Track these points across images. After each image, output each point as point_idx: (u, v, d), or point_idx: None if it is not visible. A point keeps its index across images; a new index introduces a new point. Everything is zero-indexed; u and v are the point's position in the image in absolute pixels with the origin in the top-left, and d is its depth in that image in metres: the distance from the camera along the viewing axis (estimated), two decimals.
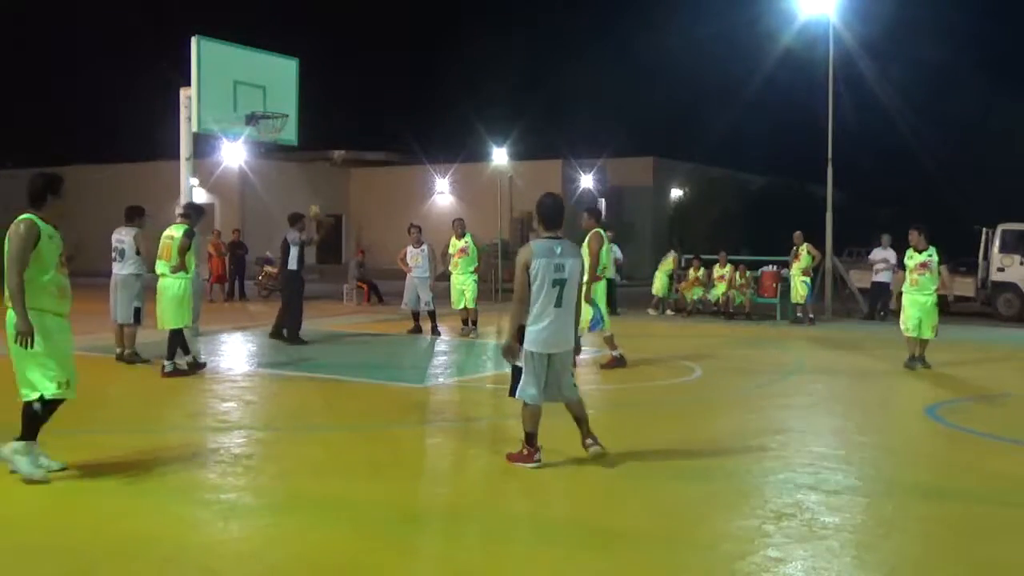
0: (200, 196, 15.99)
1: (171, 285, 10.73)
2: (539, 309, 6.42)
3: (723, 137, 50.25)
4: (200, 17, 52.43)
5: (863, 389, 10.92)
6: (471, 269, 15.57)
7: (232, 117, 15.19)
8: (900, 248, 20.97)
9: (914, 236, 11.99)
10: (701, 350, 13.87)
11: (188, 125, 14.96)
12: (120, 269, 11.81)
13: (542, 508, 5.79)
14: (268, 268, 26.13)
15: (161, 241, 11.03)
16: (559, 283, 6.41)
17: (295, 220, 14.57)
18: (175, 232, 10.88)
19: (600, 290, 11.46)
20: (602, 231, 11.32)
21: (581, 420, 6.82)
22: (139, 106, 59.23)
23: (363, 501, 5.89)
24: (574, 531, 5.34)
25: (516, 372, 6.61)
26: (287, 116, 15.86)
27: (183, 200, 15.31)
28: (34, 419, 6.06)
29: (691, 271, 21.74)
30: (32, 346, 5.91)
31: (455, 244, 15.75)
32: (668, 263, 21.82)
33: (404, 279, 16.19)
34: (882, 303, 20.39)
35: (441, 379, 11.25)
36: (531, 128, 43.51)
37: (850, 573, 4.76)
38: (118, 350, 11.80)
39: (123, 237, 11.85)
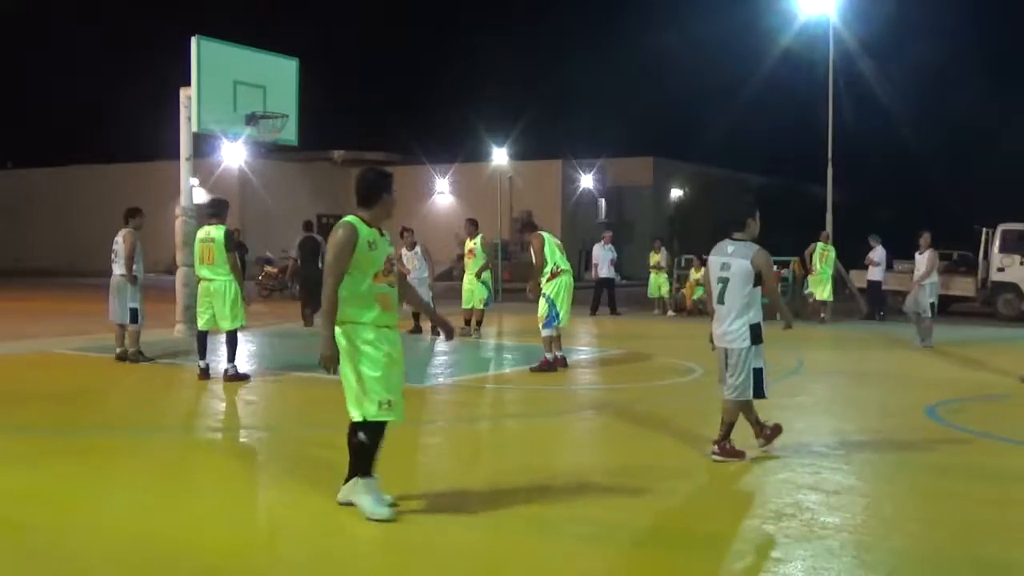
0: (200, 196, 16.01)
1: (220, 287, 10.32)
2: (713, 304, 6.94)
3: (723, 137, 50.28)
4: (200, 17, 52.46)
5: (863, 389, 10.92)
6: (478, 269, 15.51)
7: (232, 117, 15.19)
8: (894, 249, 21.15)
9: None
10: (701, 350, 13.82)
11: (188, 125, 14.97)
12: (116, 270, 11.86)
13: (542, 507, 5.78)
14: (268, 268, 26.12)
15: (198, 244, 10.52)
16: (722, 281, 6.83)
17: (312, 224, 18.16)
18: (215, 234, 10.36)
19: (560, 288, 11.35)
20: (544, 233, 11.61)
21: (724, 423, 6.89)
22: (139, 106, 59.44)
23: None
24: (573, 531, 5.34)
25: (756, 372, 6.81)
26: (287, 116, 15.87)
27: (183, 200, 15.34)
28: (361, 450, 5.45)
29: (692, 271, 21.75)
30: (335, 371, 5.41)
31: (467, 244, 15.77)
32: (653, 258, 21.71)
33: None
34: (880, 303, 20.42)
35: (441, 379, 11.25)
36: (531, 128, 43.52)
37: (850, 573, 4.76)
38: (118, 350, 11.82)
39: (117, 238, 11.90)
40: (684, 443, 7.70)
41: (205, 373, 10.43)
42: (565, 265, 11.47)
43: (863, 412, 9.36)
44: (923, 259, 14.78)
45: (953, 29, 59.68)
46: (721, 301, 6.82)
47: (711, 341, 7.04)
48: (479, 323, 15.64)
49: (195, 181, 15.98)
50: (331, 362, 5.37)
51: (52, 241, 45.37)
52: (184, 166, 15.37)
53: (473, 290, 15.42)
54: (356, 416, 5.41)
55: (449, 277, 15.69)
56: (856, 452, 7.34)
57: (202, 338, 10.57)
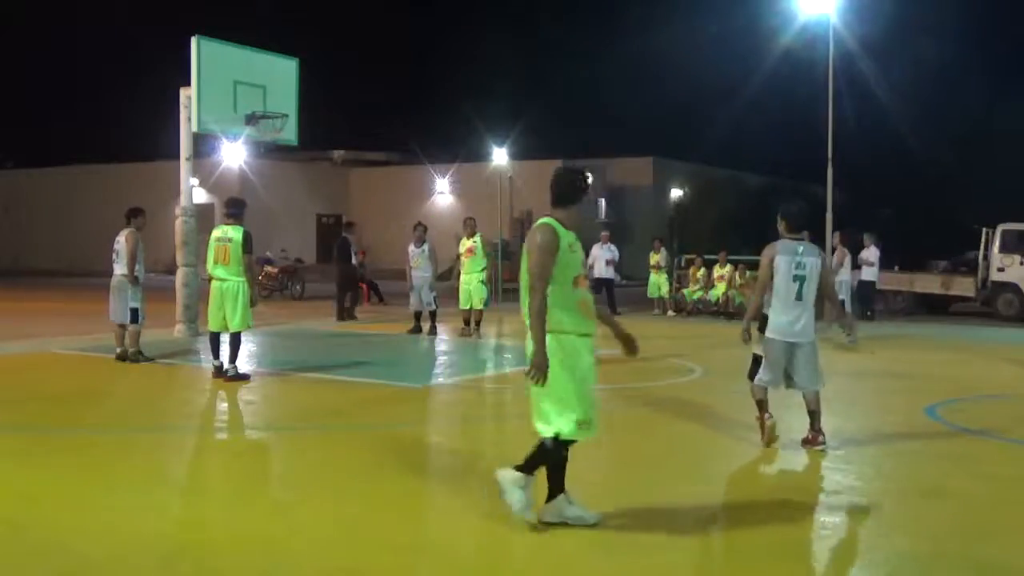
0: (200, 196, 16.11)
1: (233, 287, 10.27)
2: (781, 301, 7.15)
3: (723, 137, 50.24)
4: (200, 17, 52.45)
5: (863, 389, 10.93)
6: (478, 269, 15.42)
7: (232, 117, 15.20)
8: (895, 248, 21.17)
9: None
10: (701, 350, 13.87)
11: (188, 125, 14.97)
12: (117, 270, 11.86)
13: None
14: (268, 268, 26.11)
15: (213, 243, 10.37)
16: (799, 279, 7.11)
17: (351, 226, 20.03)
18: (232, 234, 10.28)
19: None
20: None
21: (814, 414, 7.27)
22: (139, 106, 59.40)
23: (364, 501, 5.89)
24: (573, 531, 5.33)
25: (756, 359, 7.36)
26: (287, 116, 15.87)
27: (183, 201, 15.35)
28: (543, 455, 5.22)
29: (692, 270, 21.75)
30: (545, 382, 5.03)
31: (464, 243, 15.67)
32: (653, 258, 21.67)
33: (404, 279, 16.15)
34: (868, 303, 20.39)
35: (441, 379, 11.25)
36: (531, 128, 43.47)
37: (850, 573, 4.76)
38: (118, 350, 11.83)
39: (119, 238, 11.90)
40: (683, 444, 7.71)
41: (220, 371, 10.41)
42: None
43: (863, 412, 9.37)
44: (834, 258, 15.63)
45: (954, 29, 59.64)
46: (799, 297, 7.11)
47: (745, 333, 7.36)
48: (478, 323, 15.62)
49: (195, 181, 15.99)
50: (544, 372, 5.02)
51: (52, 241, 45.38)
52: (184, 166, 15.38)
53: (471, 290, 15.35)
54: (547, 432, 5.15)
55: (450, 277, 15.81)
56: (856, 452, 7.35)
57: (214, 339, 10.49)
